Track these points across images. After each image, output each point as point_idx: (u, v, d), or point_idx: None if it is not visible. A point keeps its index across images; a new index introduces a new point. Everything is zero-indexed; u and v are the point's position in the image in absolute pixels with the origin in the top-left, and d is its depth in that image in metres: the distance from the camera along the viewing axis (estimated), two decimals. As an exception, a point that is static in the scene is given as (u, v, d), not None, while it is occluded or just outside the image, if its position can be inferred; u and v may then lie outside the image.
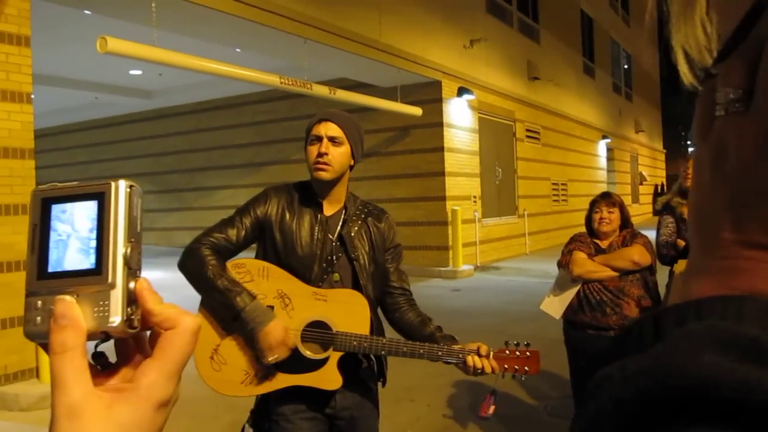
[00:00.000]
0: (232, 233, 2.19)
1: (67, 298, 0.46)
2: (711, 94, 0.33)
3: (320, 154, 2.19)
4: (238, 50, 10.26)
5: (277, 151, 14.68)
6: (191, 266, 2.14)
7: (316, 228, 2.23)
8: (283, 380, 2.13)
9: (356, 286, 2.24)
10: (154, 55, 7.10)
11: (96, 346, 0.49)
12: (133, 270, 0.48)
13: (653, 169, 32.15)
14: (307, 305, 2.13)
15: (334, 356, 2.12)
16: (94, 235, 0.47)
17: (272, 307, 2.14)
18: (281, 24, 8.47)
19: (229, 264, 2.16)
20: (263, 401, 2.24)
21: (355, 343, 2.12)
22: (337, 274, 2.24)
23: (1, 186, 5.16)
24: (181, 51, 7.59)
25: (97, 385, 0.47)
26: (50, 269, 0.47)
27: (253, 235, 2.24)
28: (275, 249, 2.22)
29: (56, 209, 0.48)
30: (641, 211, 26.91)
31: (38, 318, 0.47)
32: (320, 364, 2.12)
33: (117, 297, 0.47)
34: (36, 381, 5.15)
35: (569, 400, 3.78)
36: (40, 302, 0.47)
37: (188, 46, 8.43)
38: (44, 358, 5.11)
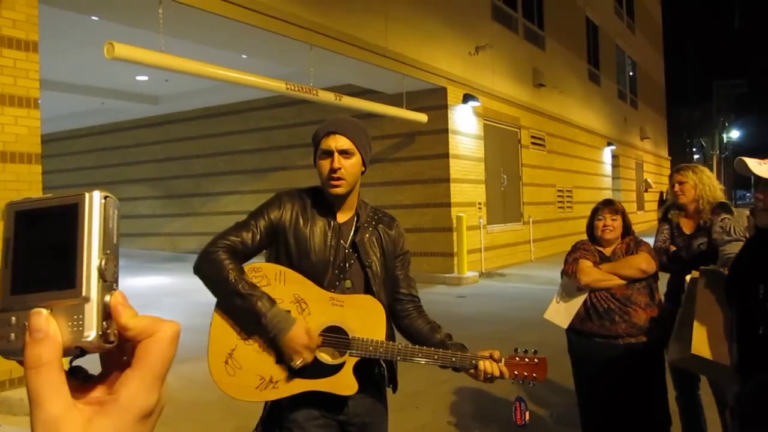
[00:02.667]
0: (248, 237, 2.18)
1: (43, 311, 0.45)
2: None
3: (333, 170, 2.17)
4: (244, 56, 10.29)
5: (282, 157, 14.70)
6: (208, 270, 2.12)
7: (330, 234, 2.23)
8: (298, 385, 2.11)
9: (368, 292, 2.23)
10: (160, 61, 7.13)
11: (71, 362, 0.48)
12: (108, 283, 0.47)
13: (658, 176, 32.05)
14: (324, 310, 2.13)
15: (350, 362, 2.11)
16: (68, 248, 0.45)
17: (289, 312, 2.12)
18: (287, 30, 8.50)
19: (246, 268, 2.15)
20: (274, 408, 2.22)
21: (371, 348, 2.11)
22: (349, 281, 2.23)
23: (8, 191, 5.18)
24: (188, 57, 7.62)
25: (78, 398, 0.46)
26: (23, 284, 0.46)
27: (267, 240, 2.22)
28: (288, 254, 2.21)
29: (30, 222, 0.46)
30: (646, 218, 26.82)
31: (12, 335, 0.46)
32: (336, 369, 2.11)
33: (92, 311, 0.45)
34: (41, 386, 5.15)
35: (574, 408, 3.77)
36: (13, 318, 0.45)
37: (195, 52, 8.46)
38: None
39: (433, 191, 12.46)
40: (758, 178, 2.25)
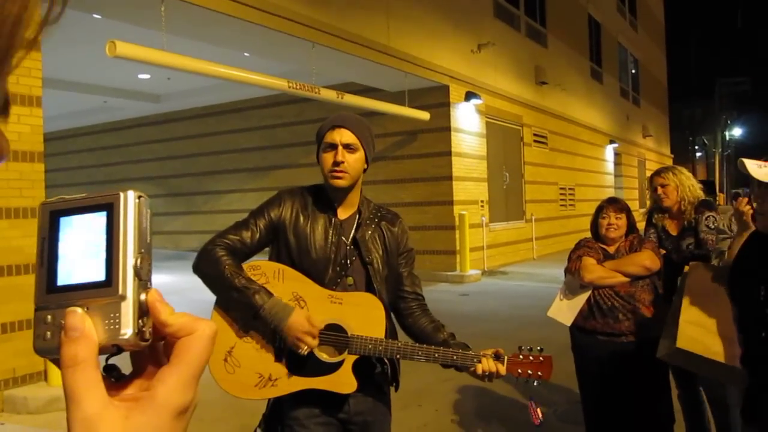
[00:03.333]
0: (247, 235, 2.19)
1: (78, 309, 0.45)
2: None
3: (336, 163, 2.18)
4: (246, 54, 10.29)
5: (284, 155, 14.70)
6: (206, 267, 2.13)
7: (330, 231, 2.22)
8: (297, 383, 2.11)
9: (370, 289, 2.22)
10: (162, 59, 7.13)
11: (107, 359, 0.48)
12: (143, 281, 0.47)
13: (661, 174, 32.00)
14: (323, 308, 2.12)
15: (349, 359, 2.11)
16: (103, 247, 0.46)
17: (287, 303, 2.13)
18: (290, 28, 8.49)
19: (245, 266, 2.15)
20: (276, 405, 2.22)
21: (370, 346, 2.11)
22: (350, 278, 2.22)
23: (11, 189, 5.18)
24: (190, 55, 7.61)
25: (112, 396, 0.46)
26: (59, 282, 0.46)
27: (267, 238, 2.23)
28: (289, 252, 2.21)
29: (65, 222, 0.47)
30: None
31: (48, 333, 0.46)
32: (335, 367, 2.11)
33: (128, 309, 0.46)
34: (44, 384, 5.16)
35: (578, 405, 3.76)
36: (49, 316, 0.46)
37: (197, 50, 8.45)
38: (52, 361, 5.12)
39: (436, 189, 12.45)
40: (756, 182, 2.23)
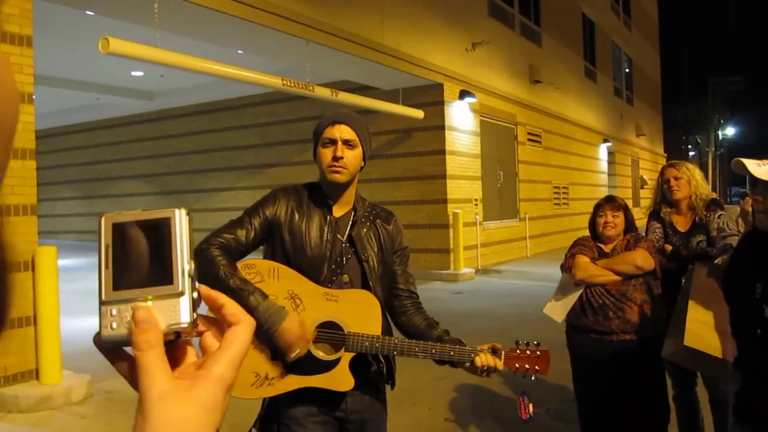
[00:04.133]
0: (241, 234, 2.17)
1: (146, 305, 0.54)
2: None
3: (336, 158, 2.17)
4: (240, 52, 10.26)
5: (278, 153, 14.67)
6: (201, 267, 2.11)
7: (326, 229, 2.22)
8: (294, 382, 2.10)
9: (365, 287, 2.21)
10: (155, 57, 7.09)
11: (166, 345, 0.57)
12: (193, 281, 0.56)
13: (654, 173, 32.12)
14: (318, 306, 2.11)
15: (346, 357, 2.10)
16: (164, 253, 0.55)
17: (282, 306, 2.12)
18: (283, 26, 8.46)
19: (240, 265, 2.14)
20: (272, 405, 2.21)
21: (367, 343, 2.10)
22: (346, 276, 2.22)
23: (2, 186, 5.13)
24: (183, 52, 7.58)
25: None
26: (123, 282, 0.55)
27: (263, 236, 2.22)
28: (284, 250, 2.20)
29: (128, 232, 0.55)
30: (642, 215, 26.86)
31: (114, 323, 0.54)
32: (332, 365, 2.10)
33: (186, 302, 0.55)
34: (36, 383, 5.13)
35: (572, 404, 3.76)
36: (114, 310, 0.54)
37: (190, 47, 8.42)
38: (44, 360, 5.09)
39: (430, 188, 12.45)
40: (756, 180, 2.23)
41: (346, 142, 2.19)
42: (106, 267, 0.55)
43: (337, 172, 2.18)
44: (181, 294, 0.55)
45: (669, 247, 3.76)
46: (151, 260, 0.55)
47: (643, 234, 3.85)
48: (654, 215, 3.94)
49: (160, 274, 0.55)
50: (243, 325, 0.57)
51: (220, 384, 0.54)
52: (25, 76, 5.32)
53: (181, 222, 0.56)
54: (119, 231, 0.55)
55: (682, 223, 3.79)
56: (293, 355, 2.04)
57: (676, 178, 3.79)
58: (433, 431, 4.51)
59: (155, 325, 0.53)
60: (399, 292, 2.34)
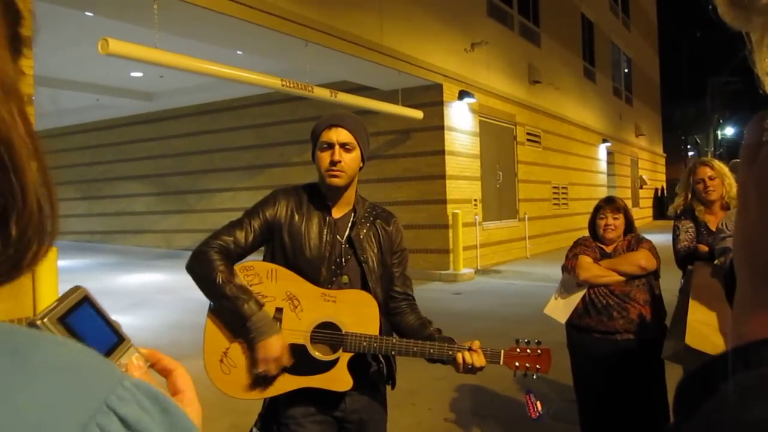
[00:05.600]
0: (241, 236, 2.18)
1: (133, 359, 0.63)
2: (761, 120, 0.31)
3: (333, 162, 2.17)
4: (239, 53, 10.26)
5: (278, 154, 14.67)
6: (199, 270, 2.13)
7: (325, 230, 2.22)
8: (292, 382, 2.12)
9: (365, 288, 2.23)
10: (155, 57, 7.10)
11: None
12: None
13: (653, 173, 32.15)
14: (316, 306, 2.12)
15: (344, 357, 2.11)
16: (102, 321, 0.62)
17: (281, 309, 2.13)
18: (283, 27, 8.46)
19: (238, 267, 2.15)
20: (272, 404, 2.23)
21: (365, 343, 2.11)
22: (345, 277, 2.23)
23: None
24: (183, 53, 7.58)
25: None
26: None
27: (262, 238, 2.23)
28: (284, 251, 2.21)
29: (73, 318, 0.60)
30: (641, 215, 26.89)
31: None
32: (330, 365, 2.11)
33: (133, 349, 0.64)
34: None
35: (572, 404, 3.77)
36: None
37: (190, 48, 8.42)
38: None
39: (429, 188, 12.45)
40: None
41: (344, 146, 2.19)
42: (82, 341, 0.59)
43: (336, 176, 2.19)
44: (129, 344, 0.63)
45: (704, 248, 3.64)
46: (100, 329, 0.61)
47: (673, 231, 3.78)
48: (687, 214, 3.80)
49: (112, 337, 0.62)
50: (179, 369, 0.67)
51: (195, 402, 0.66)
52: (25, 77, 5.31)
53: (91, 295, 0.61)
54: (66, 322, 0.58)
55: (714, 223, 3.64)
56: (261, 370, 2.07)
57: (711, 178, 3.68)
58: (433, 431, 4.51)
59: (145, 370, 0.63)
60: (395, 294, 2.35)
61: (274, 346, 2.05)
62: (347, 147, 2.20)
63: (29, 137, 0.46)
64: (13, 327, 0.41)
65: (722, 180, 3.67)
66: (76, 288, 0.60)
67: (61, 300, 0.58)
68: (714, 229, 3.60)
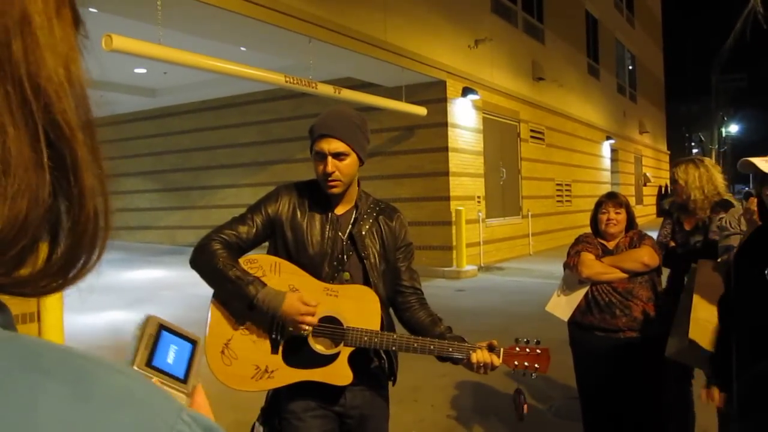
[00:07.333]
0: (243, 231, 2.20)
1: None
2: None
3: (327, 174, 2.16)
4: (243, 49, 10.26)
5: (281, 150, 14.68)
6: (202, 261, 2.14)
7: (327, 227, 2.23)
8: (293, 375, 2.13)
9: (367, 284, 2.23)
10: (159, 53, 7.10)
11: None
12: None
13: (657, 170, 32.09)
14: (319, 300, 2.13)
15: (345, 351, 2.12)
16: (186, 362, 0.64)
17: (282, 292, 2.14)
18: (287, 23, 8.46)
19: (242, 260, 2.17)
20: (273, 399, 2.24)
21: (366, 338, 2.12)
22: (347, 273, 2.23)
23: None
24: (187, 49, 7.59)
25: None
26: (155, 363, 0.61)
27: (264, 234, 2.24)
28: (286, 247, 2.22)
29: (166, 335, 0.62)
30: (645, 212, 26.85)
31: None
32: (331, 359, 2.12)
33: (185, 397, 0.64)
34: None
35: (574, 401, 3.77)
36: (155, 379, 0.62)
37: (193, 44, 8.43)
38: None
39: (432, 185, 12.45)
40: (765, 175, 2.23)
41: (337, 156, 2.16)
42: (146, 348, 0.60)
43: (332, 186, 2.19)
44: (188, 395, 0.63)
45: (673, 244, 3.79)
46: (177, 361, 0.62)
47: (658, 228, 3.86)
48: (667, 212, 3.98)
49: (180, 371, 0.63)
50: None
51: (207, 405, 0.65)
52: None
53: (202, 352, 0.63)
54: (160, 332, 0.61)
55: (688, 222, 3.78)
56: (306, 329, 2.08)
57: (673, 181, 3.77)
58: (435, 428, 4.52)
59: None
60: (403, 288, 2.34)
61: (294, 307, 2.06)
62: (341, 156, 2.17)
63: (91, 140, 0.45)
64: (68, 350, 0.40)
65: (685, 183, 3.63)
66: (149, 319, 0.61)
67: (139, 338, 0.59)
68: (687, 228, 3.74)
